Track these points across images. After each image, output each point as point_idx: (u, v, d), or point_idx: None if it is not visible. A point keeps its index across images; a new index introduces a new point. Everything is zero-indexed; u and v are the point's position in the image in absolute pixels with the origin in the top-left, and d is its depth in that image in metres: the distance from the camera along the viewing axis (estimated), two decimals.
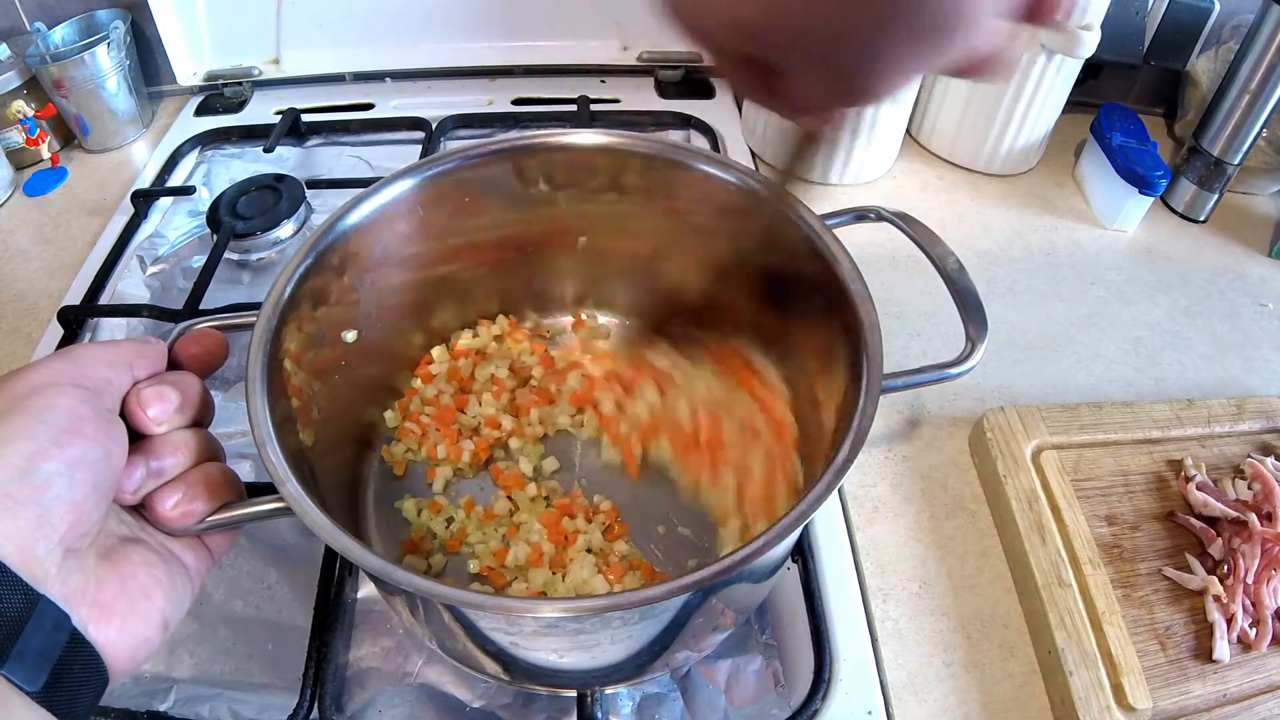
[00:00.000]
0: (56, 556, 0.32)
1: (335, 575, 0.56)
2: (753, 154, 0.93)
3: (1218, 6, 0.90)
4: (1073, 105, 0.90)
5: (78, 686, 0.32)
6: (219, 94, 1.00)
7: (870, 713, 0.52)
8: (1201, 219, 0.90)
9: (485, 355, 0.65)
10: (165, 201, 0.87)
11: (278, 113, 0.95)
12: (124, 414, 0.37)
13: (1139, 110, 0.92)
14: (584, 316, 0.69)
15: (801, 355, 0.56)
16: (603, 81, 1.02)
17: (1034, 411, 0.64)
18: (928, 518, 0.62)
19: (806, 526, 0.58)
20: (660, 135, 0.93)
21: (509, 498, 0.58)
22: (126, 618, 0.34)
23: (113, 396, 0.37)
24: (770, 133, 0.90)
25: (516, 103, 0.99)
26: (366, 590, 0.57)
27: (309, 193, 0.84)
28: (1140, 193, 0.83)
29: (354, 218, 0.53)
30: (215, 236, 0.77)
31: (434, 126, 0.92)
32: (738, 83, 0.41)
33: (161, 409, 0.38)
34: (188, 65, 0.98)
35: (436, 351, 0.64)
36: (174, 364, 0.42)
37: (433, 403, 0.61)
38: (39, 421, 0.33)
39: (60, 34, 0.91)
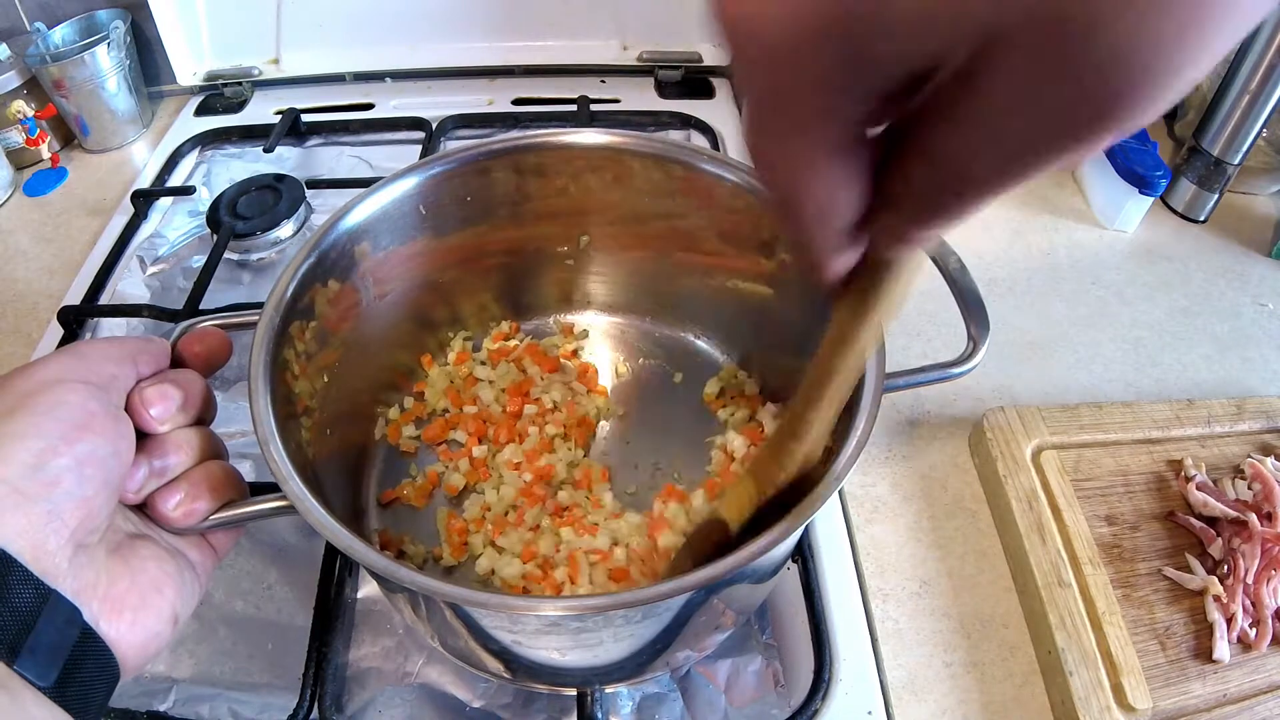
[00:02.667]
0: (68, 552, 0.32)
1: (335, 575, 0.56)
2: None
3: None
4: None
5: (90, 682, 0.32)
6: (219, 94, 1.00)
7: (870, 713, 0.52)
8: (1201, 219, 0.90)
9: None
10: (165, 201, 0.87)
11: (278, 113, 0.95)
12: (127, 412, 0.37)
13: None
14: (574, 326, 0.69)
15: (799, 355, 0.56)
16: (603, 81, 1.02)
17: (1034, 411, 0.65)
18: (928, 518, 0.62)
19: (807, 526, 0.58)
20: (660, 135, 0.93)
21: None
22: (138, 611, 0.35)
23: (119, 392, 0.37)
24: None
25: (516, 103, 0.99)
26: (366, 590, 0.57)
27: (309, 193, 0.84)
28: (1140, 193, 0.83)
29: (356, 217, 0.53)
30: (215, 236, 0.77)
31: (434, 126, 0.92)
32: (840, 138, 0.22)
33: (164, 408, 0.38)
34: (188, 65, 0.98)
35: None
36: (177, 362, 0.42)
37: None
38: (49, 418, 0.33)
39: (60, 34, 0.91)
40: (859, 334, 0.32)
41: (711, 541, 0.42)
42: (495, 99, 1.00)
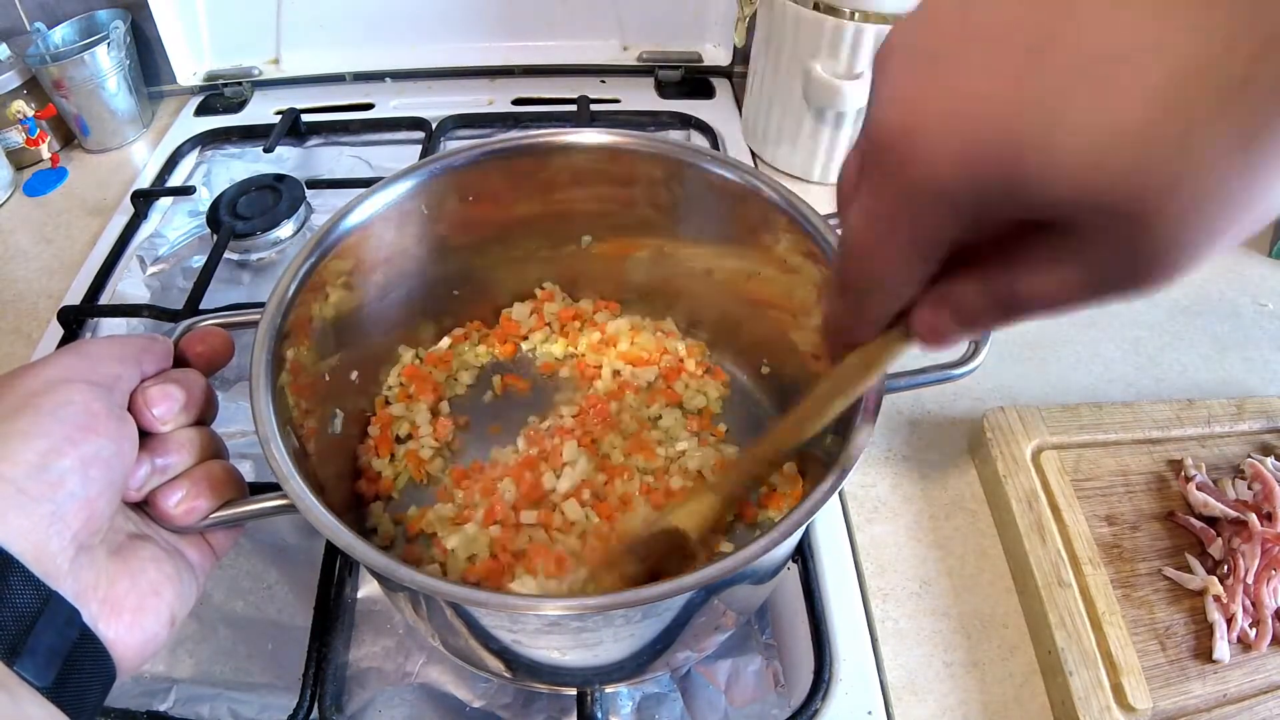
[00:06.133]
0: (69, 553, 0.32)
1: (335, 575, 0.56)
2: (752, 153, 0.93)
3: None
4: None
5: (86, 682, 0.32)
6: (219, 94, 1.00)
7: (870, 713, 0.52)
8: None
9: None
10: (165, 201, 0.87)
11: (278, 113, 0.95)
12: (130, 411, 0.37)
13: None
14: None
15: (802, 355, 0.56)
16: (603, 81, 1.02)
17: (1034, 411, 0.65)
18: (928, 518, 0.62)
19: (807, 527, 0.58)
20: (660, 135, 0.93)
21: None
22: (136, 613, 0.35)
23: (122, 392, 0.37)
24: (771, 133, 0.90)
25: (516, 103, 0.99)
26: (367, 590, 0.58)
27: (309, 193, 0.84)
28: None
29: (357, 217, 0.53)
30: (215, 236, 0.77)
31: (434, 126, 0.92)
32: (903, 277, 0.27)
33: (167, 408, 0.38)
34: (188, 65, 0.98)
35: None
36: (179, 361, 0.42)
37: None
38: (54, 418, 0.33)
39: (60, 34, 0.91)
40: (854, 389, 0.37)
41: (668, 550, 0.43)
42: (495, 99, 1.00)
